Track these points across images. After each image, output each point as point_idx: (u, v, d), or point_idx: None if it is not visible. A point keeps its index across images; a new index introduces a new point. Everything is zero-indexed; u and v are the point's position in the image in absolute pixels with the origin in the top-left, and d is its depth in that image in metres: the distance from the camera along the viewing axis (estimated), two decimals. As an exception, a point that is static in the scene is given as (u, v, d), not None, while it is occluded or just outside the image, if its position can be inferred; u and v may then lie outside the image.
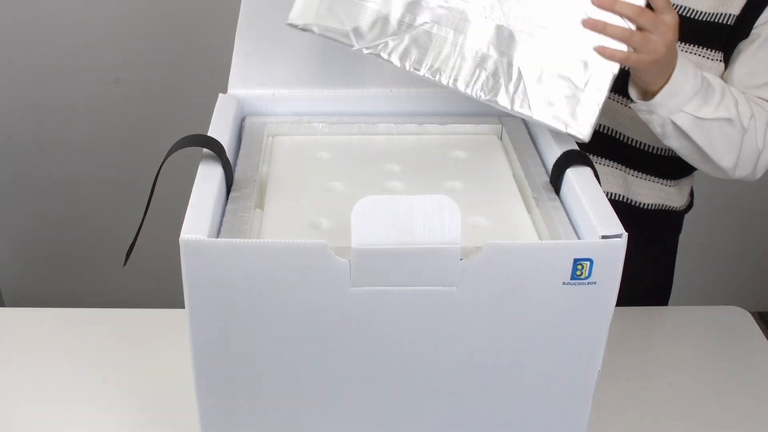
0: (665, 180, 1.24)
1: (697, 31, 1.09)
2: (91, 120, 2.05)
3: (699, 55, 1.10)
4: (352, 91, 1.07)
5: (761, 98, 1.08)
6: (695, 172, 1.26)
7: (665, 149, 1.18)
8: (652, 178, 1.23)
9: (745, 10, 1.07)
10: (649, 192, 1.24)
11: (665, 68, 0.97)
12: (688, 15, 1.10)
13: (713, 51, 1.10)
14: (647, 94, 1.01)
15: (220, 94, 1.04)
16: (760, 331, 1.24)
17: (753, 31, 1.08)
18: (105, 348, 1.15)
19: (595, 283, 0.79)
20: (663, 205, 1.26)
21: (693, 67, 1.00)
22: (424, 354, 0.84)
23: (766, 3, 1.07)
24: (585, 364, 0.85)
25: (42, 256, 2.29)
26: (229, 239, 0.77)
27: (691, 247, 2.32)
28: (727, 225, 2.27)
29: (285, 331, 0.82)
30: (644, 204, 1.25)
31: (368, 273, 0.77)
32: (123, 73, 1.99)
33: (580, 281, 0.79)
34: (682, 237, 2.30)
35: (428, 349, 0.83)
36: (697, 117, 1.00)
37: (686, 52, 1.10)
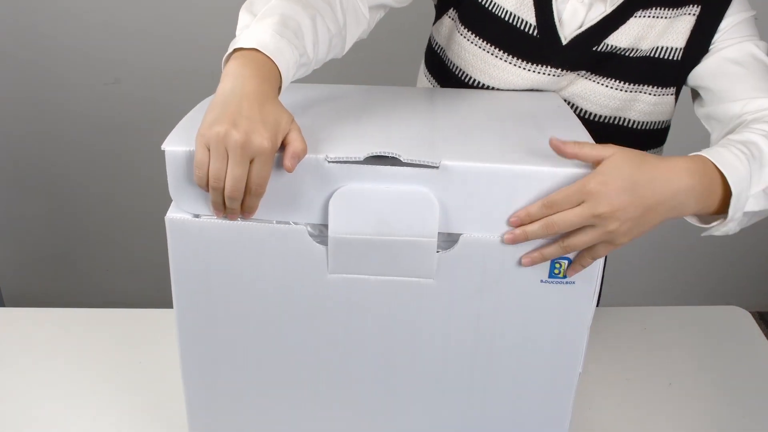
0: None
1: (640, 70, 1.04)
2: (91, 120, 2.05)
3: (644, 92, 1.05)
4: (354, 87, 1.06)
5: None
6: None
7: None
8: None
9: (691, 39, 1.02)
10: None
11: (676, 204, 0.79)
12: (629, 56, 1.04)
13: (658, 88, 1.05)
14: (708, 215, 0.85)
15: None
16: (760, 331, 1.24)
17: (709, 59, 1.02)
18: (105, 348, 1.15)
19: (573, 282, 0.80)
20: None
21: (728, 154, 0.83)
22: (401, 344, 0.84)
23: (713, 28, 1.01)
24: (565, 365, 0.85)
25: (42, 256, 2.29)
26: (212, 219, 0.78)
27: (691, 247, 2.33)
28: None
29: (264, 312, 0.83)
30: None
31: (345, 260, 0.78)
32: (123, 73, 2.00)
33: (558, 280, 0.79)
34: (682, 237, 2.30)
35: (405, 339, 0.84)
36: (764, 189, 0.84)
37: (627, 91, 1.05)
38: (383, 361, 0.85)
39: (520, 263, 0.79)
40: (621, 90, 1.05)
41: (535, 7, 1.03)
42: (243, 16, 0.85)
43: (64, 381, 1.09)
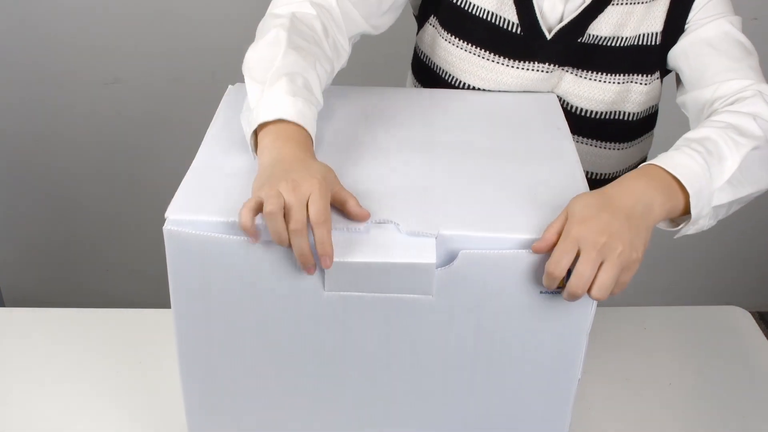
0: (616, 144, 1.13)
1: (627, 60, 1.06)
2: (91, 120, 2.05)
3: (635, 82, 1.06)
4: (348, 89, 1.07)
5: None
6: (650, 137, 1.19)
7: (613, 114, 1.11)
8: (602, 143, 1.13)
9: (667, 21, 1.03)
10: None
11: (648, 215, 0.79)
12: (603, 44, 1.05)
13: (646, 75, 1.07)
14: (676, 219, 0.86)
15: (230, 86, 1.04)
16: (760, 331, 1.24)
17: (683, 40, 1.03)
18: (105, 348, 1.15)
19: None
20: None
21: (679, 156, 0.84)
22: (400, 360, 0.83)
23: (687, 8, 1.02)
24: (564, 374, 0.85)
25: (42, 256, 2.29)
26: (210, 234, 0.77)
27: (691, 247, 2.32)
28: (727, 225, 2.26)
29: (261, 328, 0.82)
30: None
31: (342, 278, 0.77)
32: (123, 73, 1.99)
33: (557, 291, 0.79)
34: (682, 237, 2.29)
35: (404, 356, 0.83)
36: (728, 180, 0.85)
37: (618, 83, 1.06)
38: (381, 370, 0.85)
39: (519, 276, 0.78)
40: (613, 83, 1.06)
41: (516, 5, 1.04)
42: (251, 87, 0.87)
43: (64, 381, 1.09)
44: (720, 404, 1.09)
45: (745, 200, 0.89)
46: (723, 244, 2.31)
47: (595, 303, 0.80)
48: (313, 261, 0.75)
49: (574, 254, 0.75)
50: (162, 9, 1.92)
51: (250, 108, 0.85)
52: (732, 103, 0.94)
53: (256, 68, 0.88)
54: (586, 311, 0.80)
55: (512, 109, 1.02)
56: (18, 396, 1.07)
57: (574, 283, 0.74)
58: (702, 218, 0.85)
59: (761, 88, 0.95)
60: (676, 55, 1.04)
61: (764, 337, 1.22)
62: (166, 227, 0.77)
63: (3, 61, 1.97)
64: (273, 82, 0.84)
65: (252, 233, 0.75)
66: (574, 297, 0.75)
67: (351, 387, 0.86)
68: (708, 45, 1.01)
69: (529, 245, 0.77)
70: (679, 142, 0.87)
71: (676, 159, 0.83)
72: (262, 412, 0.90)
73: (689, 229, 0.86)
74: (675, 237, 0.87)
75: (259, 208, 0.74)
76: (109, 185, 2.15)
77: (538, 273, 0.78)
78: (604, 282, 0.75)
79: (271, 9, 0.97)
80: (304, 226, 0.73)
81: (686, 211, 0.84)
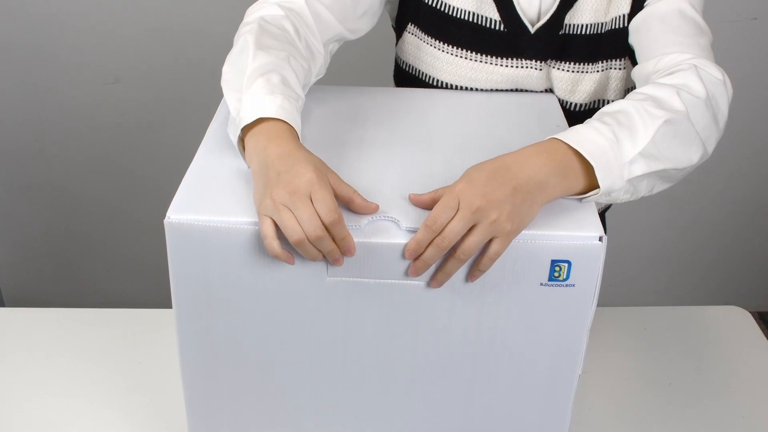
0: None
1: (600, 46, 1.05)
2: (91, 120, 2.05)
3: (613, 68, 1.06)
4: (356, 89, 1.07)
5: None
6: None
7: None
8: None
9: (633, 2, 1.02)
10: None
11: (546, 189, 0.79)
12: (583, 33, 1.05)
13: (621, 60, 1.06)
14: (586, 190, 0.83)
15: None
16: (760, 331, 1.24)
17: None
18: (105, 348, 1.15)
19: (573, 285, 0.79)
20: None
21: (586, 130, 0.82)
22: (400, 347, 0.84)
23: None
24: (565, 366, 0.85)
25: (42, 256, 2.29)
26: (211, 224, 0.78)
27: (691, 247, 2.33)
28: (727, 225, 2.27)
29: (263, 316, 0.83)
30: None
31: (344, 264, 0.78)
32: (123, 73, 2.00)
33: (558, 283, 0.79)
34: (682, 237, 2.30)
35: (405, 342, 0.84)
36: (640, 153, 0.81)
37: (598, 71, 1.05)
38: (383, 363, 0.85)
39: (521, 266, 0.79)
40: (593, 71, 1.06)
41: (496, 3, 1.04)
42: (229, 96, 0.87)
43: (65, 381, 1.09)
44: (720, 404, 1.09)
45: (666, 177, 0.86)
46: (723, 244, 2.31)
47: (596, 296, 0.80)
48: (341, 252, 0.77)
49: (454, 212, 0.75)
50: (162, 9, 1.92)
51: (232, 118, 0.86)
52: (666, 76, 0.92)
53: (231, 79, 0.88)
54: (587, 304, 0.80)
55: (511, 108, 1.02)
56: (18, 396, 1.07)
57: (443, 235, 0.75)
58: (615, 191, 0.82)
59: (699, 62, 0.92)
60: (630, 31, 1.03)
61: (764, 337, 1.22)
62: (167, 220, 0.78)
63: (3, 61, 1.97)
64: (249, 86, 0.84)
65: (286, 257, 0.76)
66: (440, 249, 0.75)
67: (353, 377, 0.86)
68: (659, 20, 0.99)
69: (529, 241, 0.77)
70: (594, 116, 0.86)
71: (582, 133, 0.81)
72: (263, 411, 0.90)
73: (600, 198, 0.83)
74: (581, 201, 0.84)
75: (275, 229, 0.75)
76: (109, 185, 2.16)
77: (537, 264, 0.78)
78: (469, 244, 0.75)
79: (244, 19, 0.97)
80: (323, 230, 0.74)
81: (592, 185, 0.82)
